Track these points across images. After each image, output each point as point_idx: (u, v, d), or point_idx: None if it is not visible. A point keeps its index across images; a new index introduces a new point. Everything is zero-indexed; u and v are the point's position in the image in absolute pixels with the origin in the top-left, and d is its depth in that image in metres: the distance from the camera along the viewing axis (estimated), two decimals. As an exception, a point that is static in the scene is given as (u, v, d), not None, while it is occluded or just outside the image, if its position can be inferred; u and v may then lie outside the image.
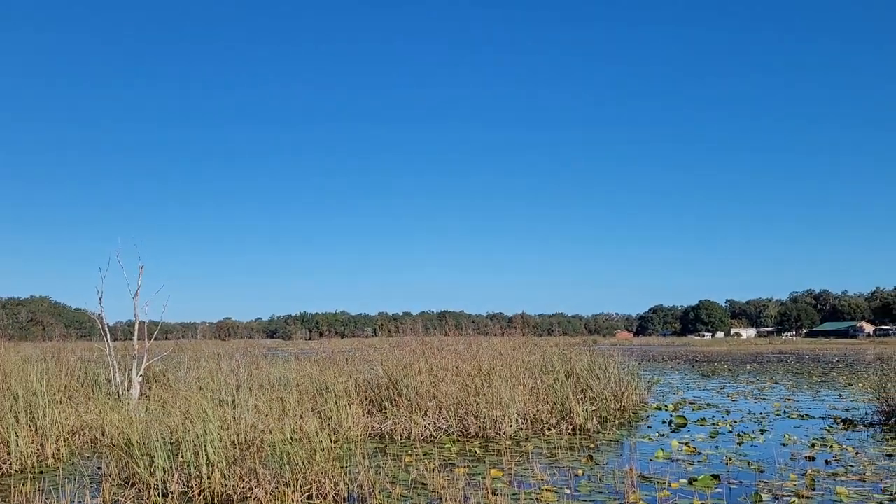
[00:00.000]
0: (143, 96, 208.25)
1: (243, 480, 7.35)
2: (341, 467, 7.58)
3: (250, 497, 7.11)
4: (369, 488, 7.44)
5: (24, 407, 10.06)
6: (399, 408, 11.75)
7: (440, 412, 11.60)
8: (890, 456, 9.35)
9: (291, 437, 7.45)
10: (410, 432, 11.21)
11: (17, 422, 9.55)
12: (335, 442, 8.11)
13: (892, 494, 7.19)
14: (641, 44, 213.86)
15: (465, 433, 11.30)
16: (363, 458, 8.08)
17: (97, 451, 10.12)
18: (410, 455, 9.49)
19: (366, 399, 12.44)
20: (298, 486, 7.13)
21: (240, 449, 7.73)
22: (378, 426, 11.63)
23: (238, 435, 8.01)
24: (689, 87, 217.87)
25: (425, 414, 11.58)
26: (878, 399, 12.93)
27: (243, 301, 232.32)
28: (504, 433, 11.26)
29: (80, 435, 10.82)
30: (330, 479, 7.32)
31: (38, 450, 9.58)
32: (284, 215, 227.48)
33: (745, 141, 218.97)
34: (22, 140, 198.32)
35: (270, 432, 7.69)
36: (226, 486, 7.33)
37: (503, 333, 18.05)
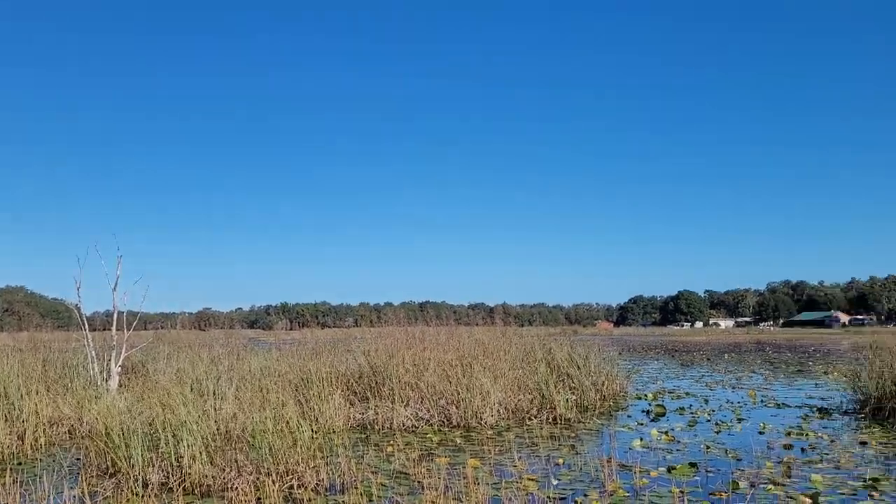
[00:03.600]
0: (122, 86, 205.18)
1: (224, 471, 7.33)
2: (323, 457, 7.58)
3: (231, 487, 7.08)
4: (351, 478, 7.45)
5: (1, 397, 9.95)
6: (381, 398, 11.75)
7: (422, 402, 11.63)
8: (864, 444, 9.52)
9: (273, 428, 7.42)
10: (392, 422, 11.23)
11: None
12: (317, 432, 8.11)
13: (865, 481, 7.33)
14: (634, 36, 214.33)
15: (447, 423, 11.34)
16: (345, 448, 8.08)
17: (75, 442, 10.03)
18: (392, 445, 9.51)
19: (348, 389, 12.43)
20: (280, 476, 7.12)
21: (221, 439, 7.70)
22: (360, 416, 11.63)
23: (218, 425, 7.97)
24: (669, 78, 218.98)
25: (407, 404, 11.60)
26: (852, 388, 13.13)
27: (223, 291, 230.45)
28: (485, 423, 11.31)
29: (58, 426, 10.71)
30: (311, 469, 7.32)
31: (15, 441, 9.48)
32: (265, 205, 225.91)
33: (723, 133, 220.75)
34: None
35: (251, 422, 7.66)
36: (206, 476, 7.30)
37: (485, 324, 18.06)
